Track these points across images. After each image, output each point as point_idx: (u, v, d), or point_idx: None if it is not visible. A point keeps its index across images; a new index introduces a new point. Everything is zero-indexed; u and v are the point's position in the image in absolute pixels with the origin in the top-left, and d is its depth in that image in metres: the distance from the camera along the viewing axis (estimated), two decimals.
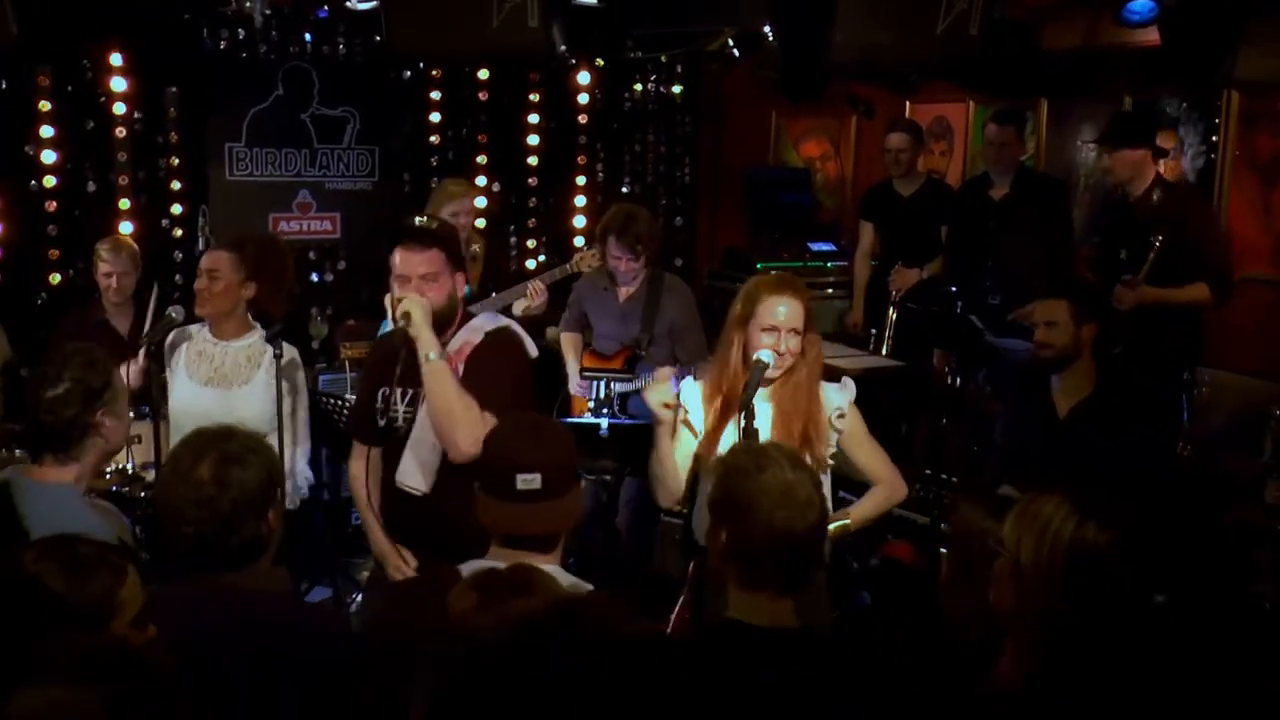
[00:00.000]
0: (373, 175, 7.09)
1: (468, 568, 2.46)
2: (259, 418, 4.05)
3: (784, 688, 2.20)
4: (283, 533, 2.49)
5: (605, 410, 5.01)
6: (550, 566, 2.44)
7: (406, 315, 3.29)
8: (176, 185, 6.74)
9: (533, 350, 3.63)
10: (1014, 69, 5.83)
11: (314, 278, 7.06)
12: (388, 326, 3.79)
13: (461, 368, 3.41)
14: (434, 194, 5.76)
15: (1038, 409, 4.13)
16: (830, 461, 3.49)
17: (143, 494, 4.19)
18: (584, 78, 7.49)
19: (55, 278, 6.55)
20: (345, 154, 7.02)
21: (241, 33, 6.61)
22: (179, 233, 6.77)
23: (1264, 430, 4.90)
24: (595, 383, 5.14)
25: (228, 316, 4.31)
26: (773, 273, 3.86)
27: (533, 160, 7.51)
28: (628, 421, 4.93)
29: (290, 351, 4.29)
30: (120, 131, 6.55)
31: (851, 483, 3.84)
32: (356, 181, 7.07)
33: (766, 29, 5.48)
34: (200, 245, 6.48)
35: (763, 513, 2.28)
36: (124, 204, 6.58)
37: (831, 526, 3.50)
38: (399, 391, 3.49)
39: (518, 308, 5.38)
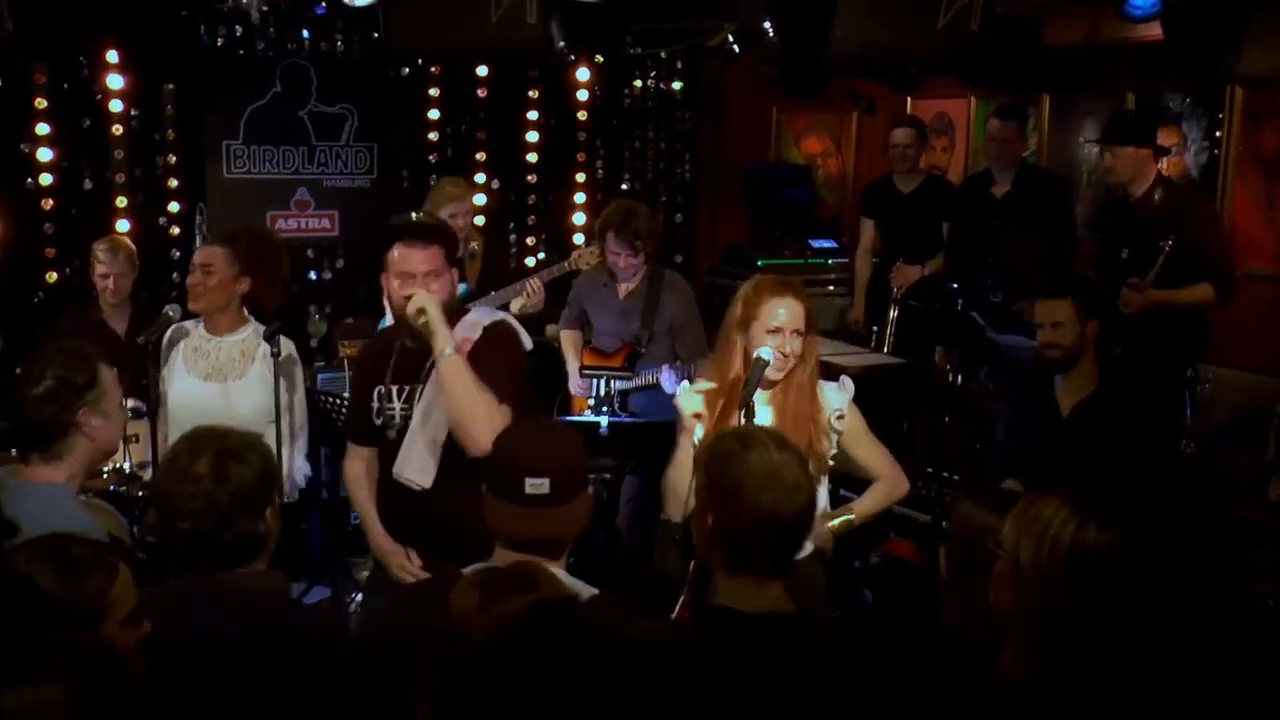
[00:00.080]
0: (371, 173, 7.08)
1: (472, 570, 2.44)
2: (256, 412, 4.04)
3: (781, 685, 2.17)
4: (280, 531, 2.48)
5: (605, 408, 4.99)
6: (554, 570, 2.42)
7: (422, 311, 3.26)
8: (174, 183, 6.73)
9: (528, 342, 3.62)
10: (1016, 64, 5.80)
11: (312, 276, 7.05)
12: (387, 324, 3.77)
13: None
14: (431, 193, 5.74)
15: (1040, 407, 4.11)
16: (831, 462, 3.49)
17: (140, 493, 4.18)
18: (583, 74, 7.47)
19: (52, 276, 6.53)
20: (343, 151, 7.01)
21: (239, 30, 6.59)
22: (176, 231, 6.76)
23: (1267, 427, 4.89)
24: (595, 381, 5.12)
25: (222, 311, 4.30)
26: (771, 275, 3.85)
27: (532, 157, 7.49)
28: (628, 420, 4.92)
29: (287, 346, 4.28)
30: (117, 129, 6.54)
31: (852, 482, 3.83)
32: (355, 179, 7.06)
33: (767, 24, 5.46)
34: (198, 243, 6.46)
35: (749, 495, 2.24)
36: (121, 202, 6.57)
37: (836, 521, 3.51)
38: (394, 389, 3.47)
39: (514, 306, 5.37)
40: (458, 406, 3.27)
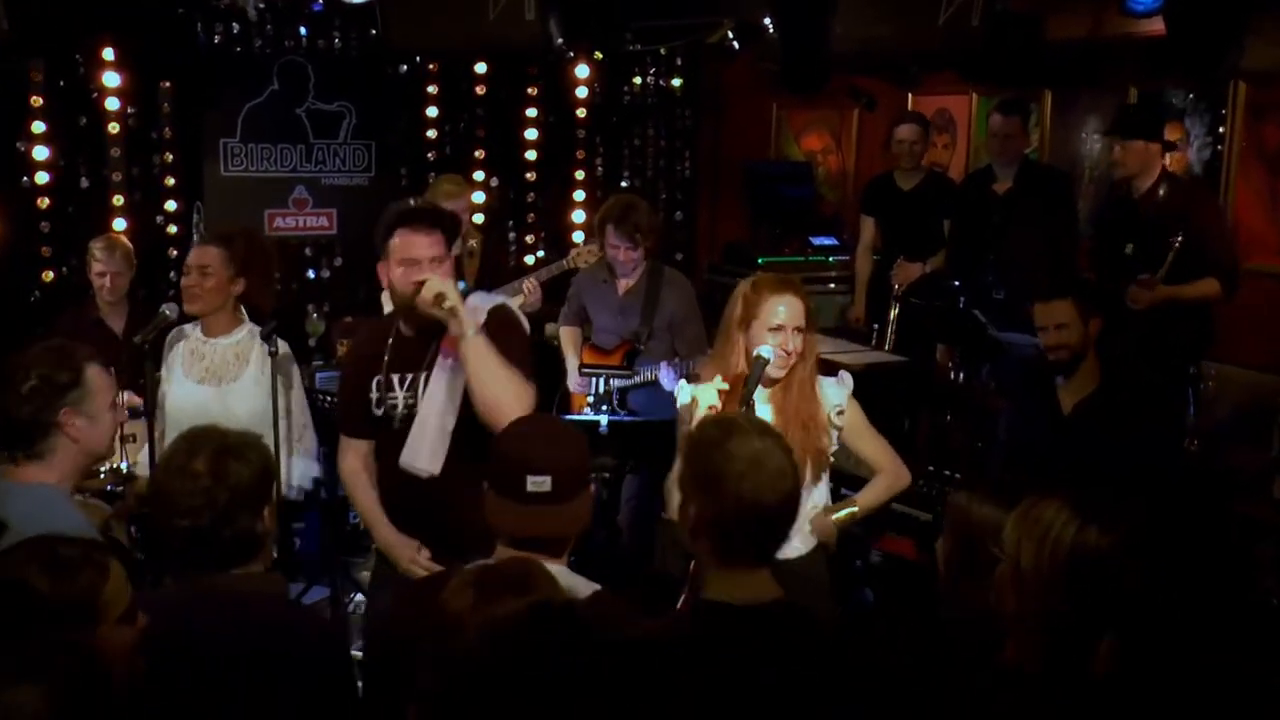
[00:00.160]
0: (369, 170, 7.06)
1: (466, 569, 2.41)
2: (252, 414, 4.01)
3: (779, 683, 2.16)
4: (278, 531, 2.46)
5: (605, 406, 4.98)
6: (555, 568, 2.40)
7: (440, 295, 3.19)
8: (171, 181, 6.71)
9: (525, 326, 3.63)
10: (1017, 60, 5.77)
11: (310, 274, 7.03)
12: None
13: None
14: (429, 191, 5.74)
15: (1042, 405, 4.11)
16: (831, 459, 3.49)
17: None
18: (582, 71, 7.44)
19: (48, 275, 6.51)
20: (341, 149, 6.98)
21: (236, 27, 6.57)
22: (173, 229, 6.74)
23: (1270, 424, 4.87)
24: (594, 379, 5.10)
25: (218, 312, 4.27)
26: (770, 273, 3.83)
27: (531, 155, 7.47)
28: (628, 418, 4.90)
29: (282, 346, 4.25)
30: (114, 127, 6.51)
31: (854, 481, 3.81)
32: (353, 177, 7.03)
33: (766, 21, 5.45)
34: (195, 242, 6.43)
35: (730, 483, 2.21)
36: (118, 200, 6.55)
37: (841, 514, 3.52)
38: (395, 378, 3.41)
39: (512, 305, 5.34)
40: (488, 387, 3.19)
